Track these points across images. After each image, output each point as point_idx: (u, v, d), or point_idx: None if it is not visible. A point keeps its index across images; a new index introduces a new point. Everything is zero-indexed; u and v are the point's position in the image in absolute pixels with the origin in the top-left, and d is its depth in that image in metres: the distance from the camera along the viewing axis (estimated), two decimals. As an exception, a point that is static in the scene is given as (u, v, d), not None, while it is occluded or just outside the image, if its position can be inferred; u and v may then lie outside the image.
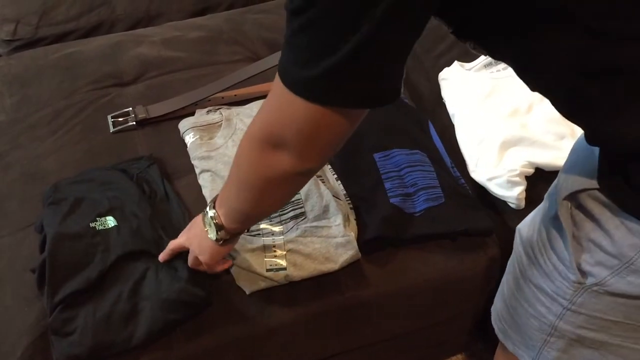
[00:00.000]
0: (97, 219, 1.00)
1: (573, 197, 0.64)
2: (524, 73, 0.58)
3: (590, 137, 0.58)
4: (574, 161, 0.66)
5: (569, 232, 0.64)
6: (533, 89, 0.59)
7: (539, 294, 0.72)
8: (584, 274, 0.64)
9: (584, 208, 0.63)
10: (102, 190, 1.04)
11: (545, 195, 0.73)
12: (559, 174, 0.68)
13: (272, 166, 0.64)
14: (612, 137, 0.55)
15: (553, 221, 0.68)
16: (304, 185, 0.74)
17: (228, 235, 0.83)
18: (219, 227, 0.81)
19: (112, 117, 1.22)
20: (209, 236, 0.83)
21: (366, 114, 0.60)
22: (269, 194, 0.70)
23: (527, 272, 0.73)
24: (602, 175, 0.60)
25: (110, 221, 1.00)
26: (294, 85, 0.55)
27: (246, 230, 0.92)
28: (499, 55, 0.59)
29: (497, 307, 0.86)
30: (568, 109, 0.57)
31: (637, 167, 0.55)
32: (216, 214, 0.81)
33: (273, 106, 0.61)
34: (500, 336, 0.87)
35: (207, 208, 0.83)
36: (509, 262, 0.81)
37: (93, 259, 0.95)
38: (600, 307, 0.65)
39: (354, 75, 0.53)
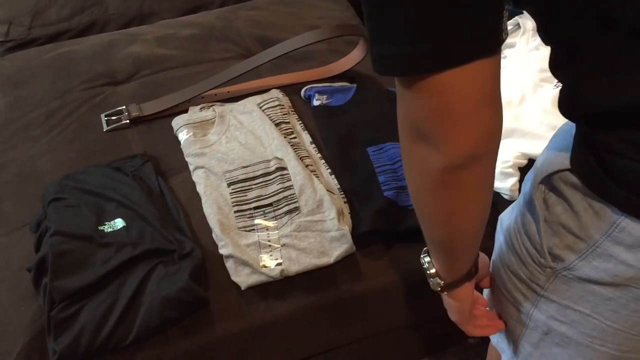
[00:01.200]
0: (106, 222, 1.01)
1: (547, 180, 0.64)
2: (541, 17, 0.55)
3: (566, 99, 0.57)
4: (552, 146, 0.66)
5: (541, 216, 0.64)
6: (544, 39, 0.57)
7: (516, 280, 0.72)
8: (554, 258, 0.64)
9: (556, 190, 0.63)
10: (109, 192, 1.05)
11: (522, 183, 0.74)
12: (537, 159, 0.68)
13: (426, 160, 0.55)
14: (587, 100, 0.55)
15: (528, 206, 0.68)
16: (480, 183, 0.59)
17: (443, 282, 0.73)
18: (432, 276, 0.73)
19: (105, 116, 1.23)
20: (430, 282, 0.75)
21: (488, 67, 0.50)
22: (448, 203, 0.60)
23: (505, 259, 0.74)
24: (575, 154, 0.60)
25: (119, 222, 1.01)
26: (376, 64, 0.51)
27: (468, 277, 0.73)
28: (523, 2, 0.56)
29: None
30: (559, 61, 0.56)
31: (607, 141, 0.55)
32: (430, 260, 0.73)
33: (398, 96, 0.55)
34: None
35: (422, 255, 0.74)
36: (492, 255, 0.82)
37: (101, 259, 0.96)
38: (569, 295, 0.65)
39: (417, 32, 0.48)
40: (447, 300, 0.77)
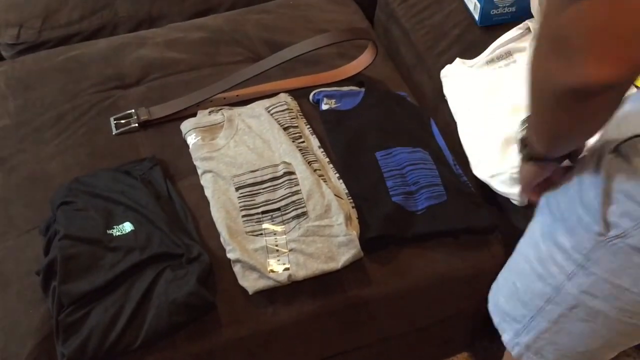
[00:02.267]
0: (114, 226, 1.01)
1: (616, 147, 0.63)
2: None
3: None
4: (624, 112, 0.64)
5: (602, 182, 0.63)
6: None
7: (556, 250, 0.71)
8: (608, 225, 0.64)
9: (624, 157, 0.62)
10: (117, 196, 1.05)
11: (582, 156, 0.72)
12: (605, 128, 0.63)
13: (565, 76, 0.52)
14: None
15: (586, 173, 0.67)
16: (611, 106, 0.56)
17: (533, 155, 0.72)
18: (524, 144, 0.72)
19: (114, 120, 1.23)
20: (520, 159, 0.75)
21: None
22: (572, 120, 0.58)
23: (547, 229, 0.72)
24: None
25: (127, 226, 1.01)
26: None
27: (559, 159, 0.73)
28: None
29: (498, 282, 0.86)
30: None
31: None
32: (527, 132, 0.71)
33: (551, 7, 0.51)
34: (490, 309, 0.86)
35: (521, 128, 0.73)
36: (525, 234, 0.80)
37: (109, 263, 0.96)
38: (613, 267, 0.65)
39: None
40: (531, 168, 0.74)
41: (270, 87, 1.28)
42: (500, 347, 0.94)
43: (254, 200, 1.06)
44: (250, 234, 1.02)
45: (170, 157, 1.17)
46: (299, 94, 1.26)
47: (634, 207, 0.61)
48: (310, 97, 1.26)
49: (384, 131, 1.17)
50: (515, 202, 1.12)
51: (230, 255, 0.99)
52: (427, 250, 1.05)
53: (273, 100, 1.23)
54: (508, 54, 1.31)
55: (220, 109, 1.22)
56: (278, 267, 0.98)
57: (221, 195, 1.07)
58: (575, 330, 0.72)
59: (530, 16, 1.31)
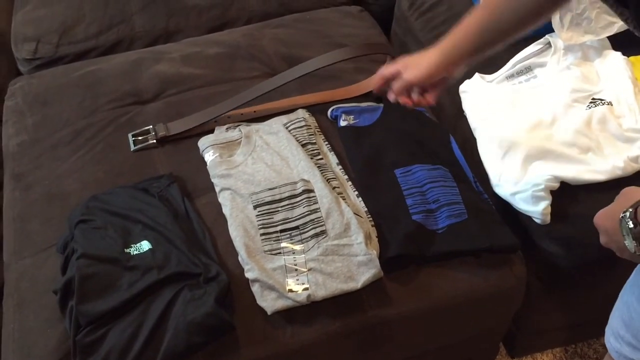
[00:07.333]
0: (132, 245, 1.01)
1: None
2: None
3: None
4: None
5: None
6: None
7: None
8: None
9: None
10: (135, 214, 1.05)
11: None
12: None
13: None
14: None
15: None
16: None
17: None
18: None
19: (132, 136, 1.23)
20: (625, 243, 0.71)
21: None
22: None
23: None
24: None
25: (145, 245, 1.00)
26: None
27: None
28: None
29: (613, 325, 0.86)
30: None
31: None
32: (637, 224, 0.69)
33: None
34: (624, 350, 0.85)
35: (626, 213, 0.70)
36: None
37: (127, 282, 0.95)
38: None
39: None
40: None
41: (287, 103, 1.27)
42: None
43: (272, 218, 1.05)
44: (268, 252, 1.01)
45: (187, 174, 1.16)
46: (316, 110, 1.25)
47: None
48: (329, 113, 1.25)
49: (403, 148, 1.16)
50: (537, 220, 1.10)
51: (248, 275, 0.98)
52: (448, 269, 1.03)
53: (291, 116, 1.22)
54: (528, 69, 1.30)
55: (238, 125, 1.21)
56: (297, 287, 0.96)
57: (239, 213, 1.06)
58: None
59: (551, 31, 1.29)
